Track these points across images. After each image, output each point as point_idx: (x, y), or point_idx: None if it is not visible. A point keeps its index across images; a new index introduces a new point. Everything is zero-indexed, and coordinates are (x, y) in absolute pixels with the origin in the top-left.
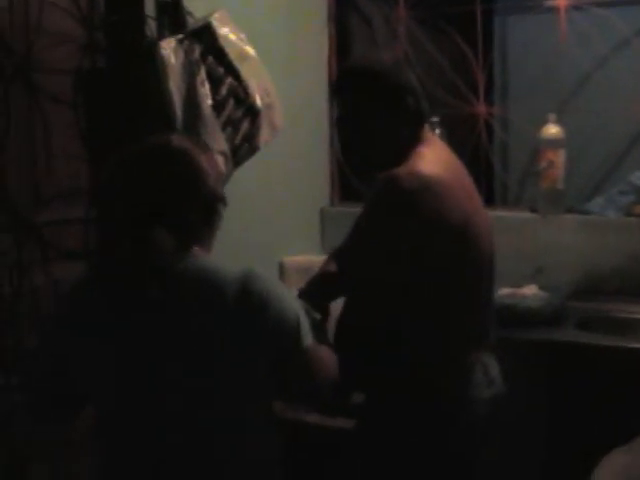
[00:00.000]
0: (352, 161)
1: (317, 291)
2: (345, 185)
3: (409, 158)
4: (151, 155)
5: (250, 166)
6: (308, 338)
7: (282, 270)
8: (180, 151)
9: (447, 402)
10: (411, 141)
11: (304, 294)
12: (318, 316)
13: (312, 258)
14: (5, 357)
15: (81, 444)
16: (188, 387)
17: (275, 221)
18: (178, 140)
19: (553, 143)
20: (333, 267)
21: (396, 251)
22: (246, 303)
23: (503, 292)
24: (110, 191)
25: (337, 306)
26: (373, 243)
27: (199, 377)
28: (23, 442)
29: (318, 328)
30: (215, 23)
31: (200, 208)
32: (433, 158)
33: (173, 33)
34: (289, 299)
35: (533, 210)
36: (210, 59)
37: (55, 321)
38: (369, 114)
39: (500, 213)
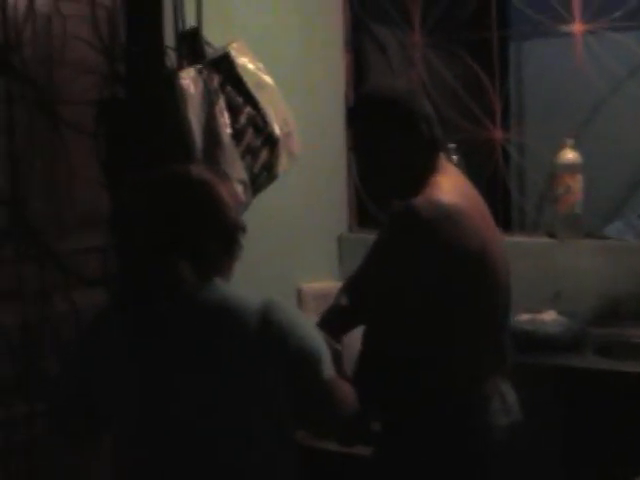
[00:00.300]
0: (369, 188)
1: (331, 324)
2: (363, 212)
3: (426, 186)
4: (170, 185)
5: (268, 194)
6: (329, 369)
7: (300, 296)
8: (199, 181)
9: (465, 430)
10: (426, 169)
11: (318, 326)
12: (339, 347)
13: (330, 284)
14: (28, 384)
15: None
16: (207, 416)
17: (293, 248)
18: (197, 170)
19: (570, 168)
20: (345, 300)
21: (415, 279)
22: (267, 333)
23: (522, 318)
24: (129, 219)
25: (353, 337)
26: (392, 272)
27: (219, 406)
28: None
29: (339, 359)
30: (233, 53)
31: (220, 238)
32: (450, 187)
33: (192, 63)
34: (310, 330)
35: (551, 235)
36: (229, 88)
37: (78, 346)
38: (383, 141)
39: (518, 239)
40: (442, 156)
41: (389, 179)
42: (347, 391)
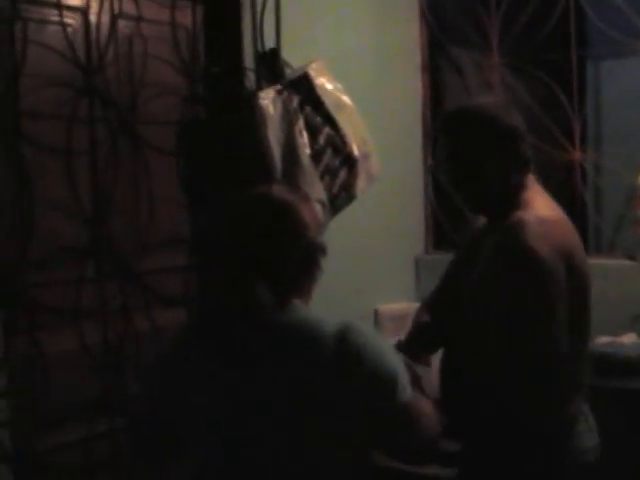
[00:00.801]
0: (465, 196)
1: (417, 343)
2: (439, 233)
3: (522, 204)
4: (251, 206)
5: (347, 214)
6: (406, 392)
7: (377, 317)
8: (280, 203)
9: (553, 453)
10: (521, 186)
11: (404, 346)
12: (422, 371)
13: (407, 306)
14: (109, 401)
15: None
16: (280, 439)
17: (370, 268)
18: (278, 191)
19: None
20: (427, 317)
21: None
22: (342, 356)
23: (601, 340)
24: (211, 240)
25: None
26: (504, 299)
27: (292, 429)
28: None
29: (418, 382)
30: (312, 73)
31: (300, 260)
32: (546, 204)
33: (271, 83)
34: (387, 353)
35: (630, 257)
36: (308, 109)
37: (157, 367)
38: (482, 157)
39: (596, 260)
40: (531, 175)
41: (484, 193)
42: (428, 413)
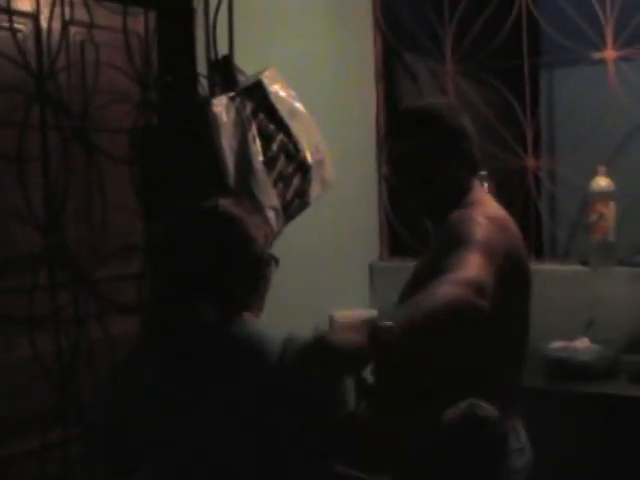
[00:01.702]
0: (413, 200)
1: None
2: (394, 240)
3: (470, 204)
4: (196, 221)
5: (301, 221)
6: (335, 409)
7: (332, 324)
8: (225, 216)
9: (482, 473)
10: (467, 188)
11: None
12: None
13: (361, 312)
14: (63, 410)
15: None
16: (227, 452)
17: (325, 275)
18: (224, 204)
19: (603, 195)
20: None
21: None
22: (281, 370)
23: (555, 345)
24: (157, 253)
25: None
26: None
27: (239, 443)
28: None
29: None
30: (266, 80)
31: (246, 275)
32: (493, 205)
33: (225, 91)
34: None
35: (584, 263)
36: (261, 116)
37: (109, 379)
38: (429, 155)
39: (551, 266)
40: (477, 179)
41: (433, 192)
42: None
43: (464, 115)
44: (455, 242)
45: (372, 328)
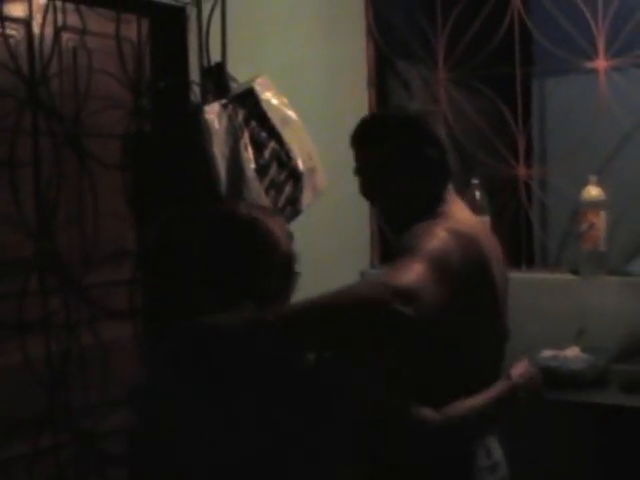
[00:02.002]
0: (379, 212)
1: None
2: (385, 247)
3: (436, 216)
4: (220, 228)
5: (293, 228)
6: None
7: None
8: (251, 221)
9: None
10: (435, 200)
11: None
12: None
13: None
14: (54, 416)
15: None
16: (264, 458)
17: (316, 282)
18: (245, 209)
19: (594, 205)
20: None
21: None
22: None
23: (545, 354)
24: (179, 256)
25: None
26: None
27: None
28: None
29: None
30: (258, 88)
31: (277, 275)
32: (463, 219)
33: (217, 98)
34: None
35: (574, 272)
36: (253, 123)
37: (148, 399)
38: (389, 163)
39: (541, 275)
40: (451, 189)
41: (397, 204)
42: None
43: (435, 123)
44: (402, 251)
45: None
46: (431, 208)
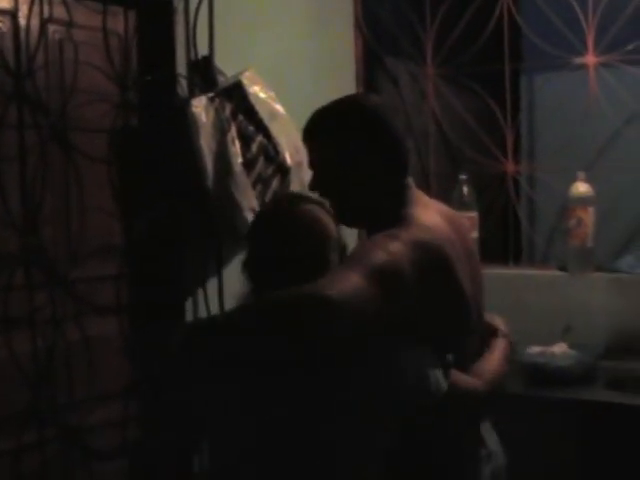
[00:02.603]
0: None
1: None
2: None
3: (402, 221)
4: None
5: None
6: (441, 386)
7: None
8: (306, 213)
9: None
10: (399, 200)
11: None
12: (450, 357)
13: None
14: (39, 411)
15: None
16: (312, 432)
17: None
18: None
19: (582, 201)
20: None
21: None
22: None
23: (532, 350)
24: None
25: None
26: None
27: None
28: None
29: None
30: (245, 82)
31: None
32: (425, 221)
33: (204, 92)
34: (416, 357)
35: (562, 268)
36: (240, 117)
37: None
38: (338, 160)
39: (529, 271)
40: (413, 185)
41: (347, 202)
42: (470, 383)
43: (392, 116)
44: (346, 260)
45: None
46: (391, 210)
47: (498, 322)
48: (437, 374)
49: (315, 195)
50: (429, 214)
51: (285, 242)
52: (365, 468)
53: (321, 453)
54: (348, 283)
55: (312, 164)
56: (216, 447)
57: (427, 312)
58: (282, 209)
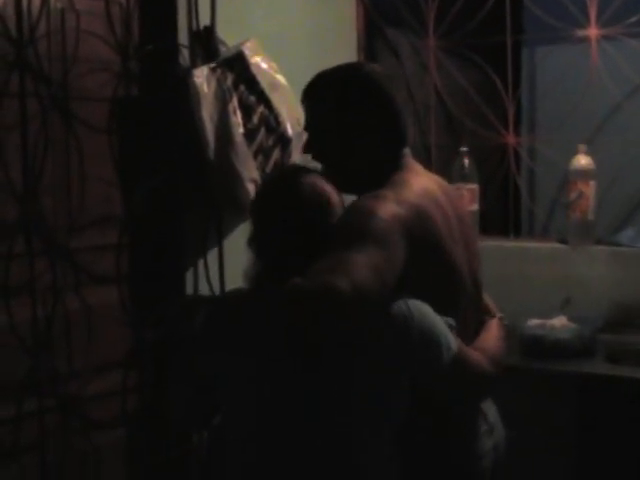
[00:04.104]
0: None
1: None
2: None
3: (390, 184)
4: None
5: None
6: (452, 349)
7: None
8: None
9: (450, 459)
10: (393, 167)
11: None
12: (452, 320)
13: None
14: (39, 380)
15: None
16: (330, 407)
17: None
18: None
19: (583, 174)
20: None
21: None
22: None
23: (532, 323)
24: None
25: None
26: None
27: (342, 394)
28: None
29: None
30: (247, 52)
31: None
32: (419, 189)
33: (206, 62)
34: (430, 315)
35: (562, 241)
36: (242, 88)
37: (209, 340)
38: (335, 126)
39: (529, 244)
40: (408, 153)
41: (343, 167)
42: (476, 360)
43: (391, 85)
44: (338, 232)
45: None
46: (382, 175)
47: (489, 302)
48: (447, 332)
49: (316, 166)
50: (420, 179)
51: (290, 215)
52: (378, 445)
53: (331, 433)
54: (352, 266)
55: (308, 126)
56: (220, 424)
57: (417, 272)
58: (285, 182)
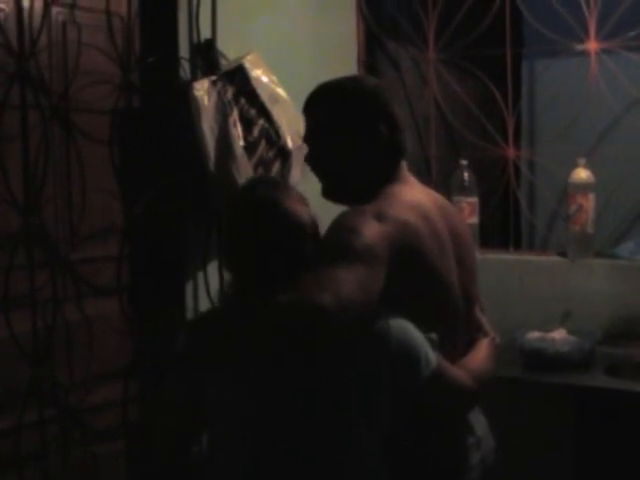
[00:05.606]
0: (324, 190)
1: None
2: None
3: (379, 197)
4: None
5: None
6: (431, 364)
7: None
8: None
9: (436, 472)
10: (387, 179)
11: None
12: (434, 336)
13: None
14: (39, 391)
15: None
16: (318, 423)
17: None
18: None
19: (583, 187)
20: None
21: None
22: (370, 336)
23: (532, 335)
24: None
25: None
26: None
27: (330, 410)
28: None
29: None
30: (248, 65)
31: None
32: (408, 202)
33: (206, 74)
34: (410, 331)
35: (562, 254)
36: (242, 100)
37: (190, 357)
38: (335, 139)
39: (529, 257)
40: (404, 167)
41: (336, 179)
42: (457, 376)
43: (391, 99)
44: (325, 250)
45: None
46: (376, 187)
47: (483, 320)
48: (426, 347)
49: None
50: (412, 192)
51: (263, 243)
52: (373, 442)
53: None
54: (337, 283)
55: (308, 137)
56: (215, 415)
57: (401, 286)
58: (254, 206)
